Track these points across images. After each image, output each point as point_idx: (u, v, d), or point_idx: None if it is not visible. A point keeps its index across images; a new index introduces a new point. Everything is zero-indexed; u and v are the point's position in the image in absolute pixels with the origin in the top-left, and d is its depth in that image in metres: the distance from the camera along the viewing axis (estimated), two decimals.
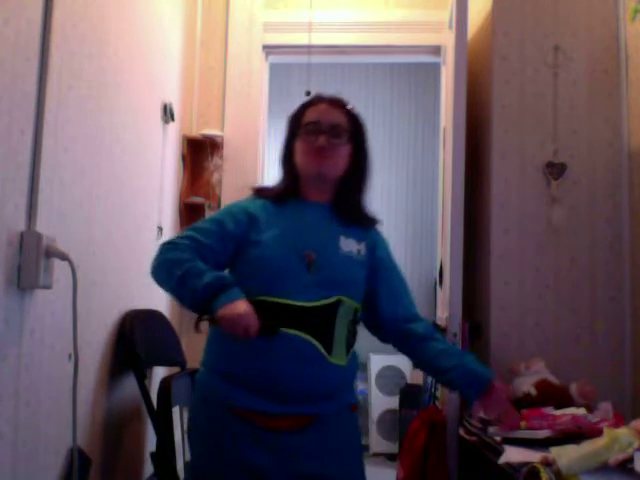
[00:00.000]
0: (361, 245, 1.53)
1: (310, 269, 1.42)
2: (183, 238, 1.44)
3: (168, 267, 1.39)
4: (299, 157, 1.52)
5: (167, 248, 1.43)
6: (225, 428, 1.40)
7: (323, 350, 1.40)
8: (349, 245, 1.50)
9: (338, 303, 1.43)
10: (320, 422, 1.42)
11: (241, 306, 1.31)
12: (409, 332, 1.55)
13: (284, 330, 1.37)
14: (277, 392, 1.38)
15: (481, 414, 1.72)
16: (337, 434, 1.45)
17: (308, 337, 1.38)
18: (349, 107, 1.56)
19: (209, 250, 1.42)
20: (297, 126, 1.54)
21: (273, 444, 1.38)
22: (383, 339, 1.62)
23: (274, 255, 1.42)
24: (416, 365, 1.68)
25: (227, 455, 1.39)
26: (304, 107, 1.56)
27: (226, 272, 1.48)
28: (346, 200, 1.55)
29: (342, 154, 1.51)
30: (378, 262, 1.56)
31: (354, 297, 1.49)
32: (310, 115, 1.52)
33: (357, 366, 1.56)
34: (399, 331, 1.57)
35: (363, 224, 1.57)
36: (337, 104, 1.55)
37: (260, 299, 1.38)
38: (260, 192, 1.57)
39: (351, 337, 1.49)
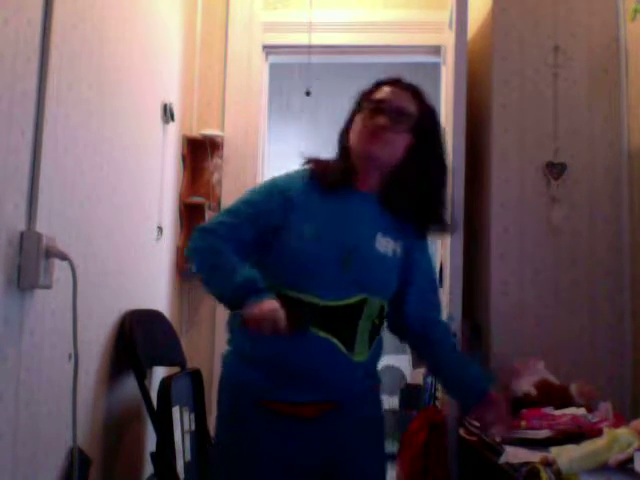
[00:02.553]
0: (397, 244, 1.45)
1: (340, 267, 1.37)
2: (217, 224, 1.42)
3: (203, 256, 1.38)
4: (353, 134, 1.44)
5: (200, 236, 1.40)
6: (247, 415, 1.40)
7: (344, 349, 1.37)
8: (385, 244, 1.43)
9: (363, 302, 1.39)
10: (343, 407, 1.41)
11: (269, 304, 1.25)
12: (425, 336, 1.53)
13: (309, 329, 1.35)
14: (299, 384, 1.37)
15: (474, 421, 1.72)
16: (360, 419, 1.44)
17: (329, 336, 1.35)
18: (424, 97, 1.46)
19: (242, 235, 1.38)
20: (363, 102, 1.46)
21: (297, 431, 1.37)
22: (402, 338, 1.59)
23: (311, 251, 1.37)
24: (429, 369, 1.67)
25: (251, 442, 1.39)
26: (377, 85, 1.48)
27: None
28: (393, 192, 1.45)
29: (398, 140, 1.41)
30: (412, 263, 1.49)
31: (382, 297, 1.45)
32: (379, 93, 1.45)
33: (381, 351, 1.52)
34: (417, 333, 1.54)
35: (412, 223, 1.48)
36: (411, 90, 1.46)
37: (284, 293, 1.34)
38: (313, 173, 1.47)
39: (374, 330, 1.45)
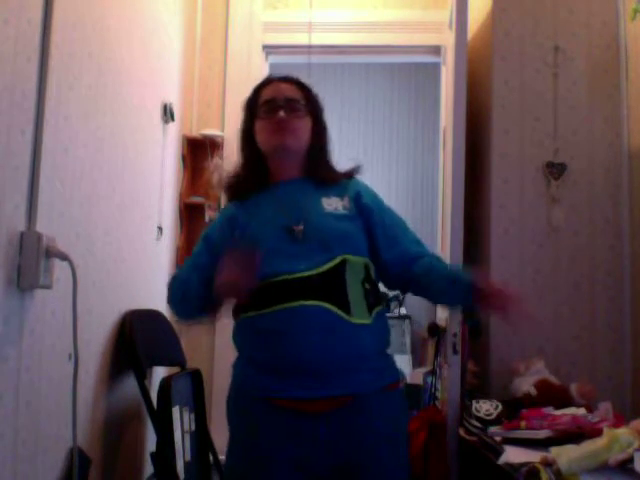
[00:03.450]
0: (344, 200, 1.52)
1: (299, 239, 1.42)
2: (181, 268, 1.57)
3: (177, 293, 1.54)
4: (261, 136, 1.54)
5: (171, 283, 1.56)
6: (258, 417, 1.40)
7: (340, 312, 1.37)
8: (332, 203, 1.50)
9: (344, 263, 1.41)
10: (356, 405, 1.38)
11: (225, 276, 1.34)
12: (410, 276, 1.51)
13: (297, 303, 1.36)
14: (308, 370, 1.35)
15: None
16: (375, 418, 1.40)
17: (321, 303, 1.36)
18: (301, 82, 1.59)
19: (204, 266, 1.47)
20: (254, 108, 1.57)
21: (302, 429, 1.36)
22: (389, 286, 1.59)
23: (261, 235, 1.43)
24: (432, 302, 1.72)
25: (261, 445, 1.38)
26: (258, 89, 1.60)
27: None
28: (317, 169, 1.56)
29: (302, 126, 1.53)
30: (366, 209, 1.53)
31: (357, 252, 1.46)
32: (265, 94, 1.56)
33: (388, 327, 1.51)
34: (402, 276, 1.53)
35: (340, 181, 1.56)
36: (290, 80, 1.58)
37: (266, 282, 1.38)
38: (232, 195, 1.60)
39: (370, 296, 1.45)
